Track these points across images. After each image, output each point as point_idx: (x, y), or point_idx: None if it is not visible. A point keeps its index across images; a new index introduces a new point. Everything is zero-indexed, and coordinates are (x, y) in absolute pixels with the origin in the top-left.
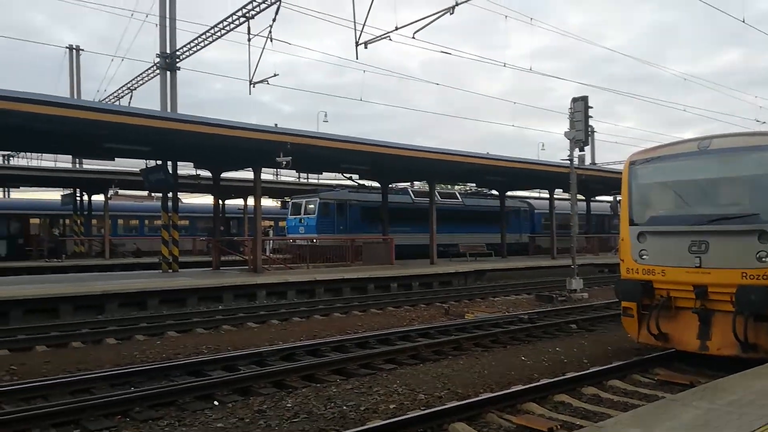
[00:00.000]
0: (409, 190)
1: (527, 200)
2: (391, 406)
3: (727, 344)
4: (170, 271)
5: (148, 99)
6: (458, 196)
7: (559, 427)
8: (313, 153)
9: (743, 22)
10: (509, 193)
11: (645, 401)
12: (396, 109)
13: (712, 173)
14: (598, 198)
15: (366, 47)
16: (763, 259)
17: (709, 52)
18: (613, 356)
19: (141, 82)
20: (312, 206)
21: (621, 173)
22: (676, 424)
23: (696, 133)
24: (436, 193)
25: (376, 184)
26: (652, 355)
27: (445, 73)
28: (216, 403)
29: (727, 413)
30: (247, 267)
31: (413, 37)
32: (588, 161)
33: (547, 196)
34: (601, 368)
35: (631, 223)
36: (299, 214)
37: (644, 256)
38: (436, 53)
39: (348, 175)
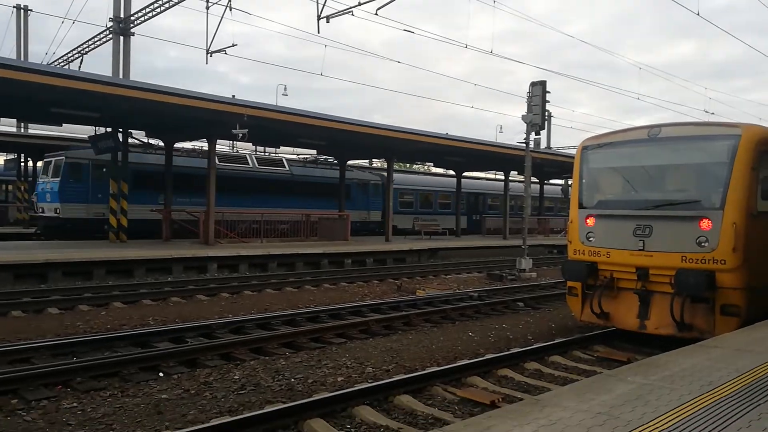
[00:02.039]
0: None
1: (380, 173)
2: (339, 379)
3: (664, 324)
4: (118, 241)
5: (99, 64)
6: (249, 160)
7: (500, 399)
8: (270, 126)
9: (698, 14)
10: (352, 163)
11: (584, 376)
12: (356, 85)
13: (659, 160)
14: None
15: (328, 21)
16: (702, 244)
17: (664, 43)
18: (557, 333)
19: (92, 47)
20: (59, 167)
21: (574, 158)
22: (611, 397)
23: (649, 121)
24: (216, 156)
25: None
26: (593, 333)
27: (407, 52)
28: (161, 374)
29: (659, 387)
30: (199, 239)
31: (376, 14)
32: (544, 145)
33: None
34: (544, 344)
35: (581, 206)
36: (48, 176)
37: (591, 239)
38: (398, 31)
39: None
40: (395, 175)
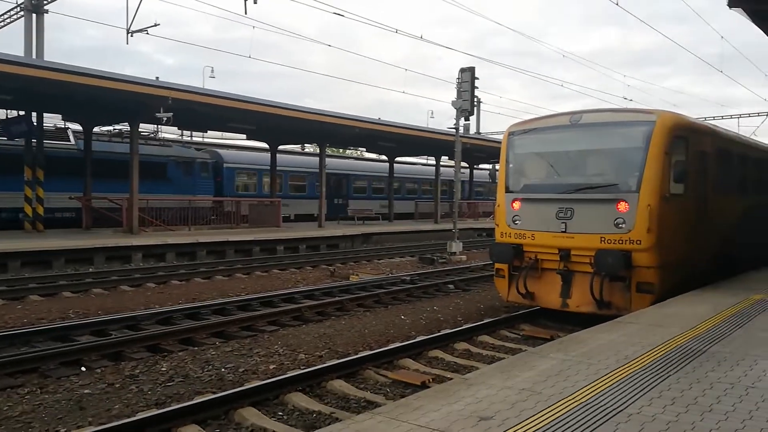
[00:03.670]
0: None
1: (215, 149)
2: (271, 367)
3: (585, 302)
4: (34, 230)
5: (10, 44)
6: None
7: (431, 380)
8: (197, 110)
9: (617, 5)
10: (169, 137)
11: (510, 354)
12: (288, 69)
13: (580, 146)
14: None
15: (256, 2)
16: (620, 226)
17: (589, 32)
18: (485, 314)
19: (2, 25)
20: None
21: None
22: (534, 373)
23: (573, 107)
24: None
25: None
26: (519, 312)
27: (340, 38)
28: (83, 369)
29: (578, 363)
30: (122, 228)
31: None
32: (473, 130)
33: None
34: (472, 325)
35: (507, 190)
36: None
37: (517, 222)
38: (332, 17)
39: None
40: (231, 153)
